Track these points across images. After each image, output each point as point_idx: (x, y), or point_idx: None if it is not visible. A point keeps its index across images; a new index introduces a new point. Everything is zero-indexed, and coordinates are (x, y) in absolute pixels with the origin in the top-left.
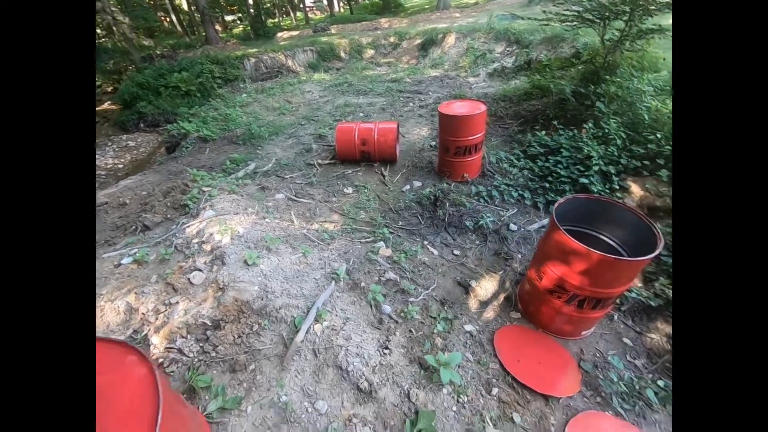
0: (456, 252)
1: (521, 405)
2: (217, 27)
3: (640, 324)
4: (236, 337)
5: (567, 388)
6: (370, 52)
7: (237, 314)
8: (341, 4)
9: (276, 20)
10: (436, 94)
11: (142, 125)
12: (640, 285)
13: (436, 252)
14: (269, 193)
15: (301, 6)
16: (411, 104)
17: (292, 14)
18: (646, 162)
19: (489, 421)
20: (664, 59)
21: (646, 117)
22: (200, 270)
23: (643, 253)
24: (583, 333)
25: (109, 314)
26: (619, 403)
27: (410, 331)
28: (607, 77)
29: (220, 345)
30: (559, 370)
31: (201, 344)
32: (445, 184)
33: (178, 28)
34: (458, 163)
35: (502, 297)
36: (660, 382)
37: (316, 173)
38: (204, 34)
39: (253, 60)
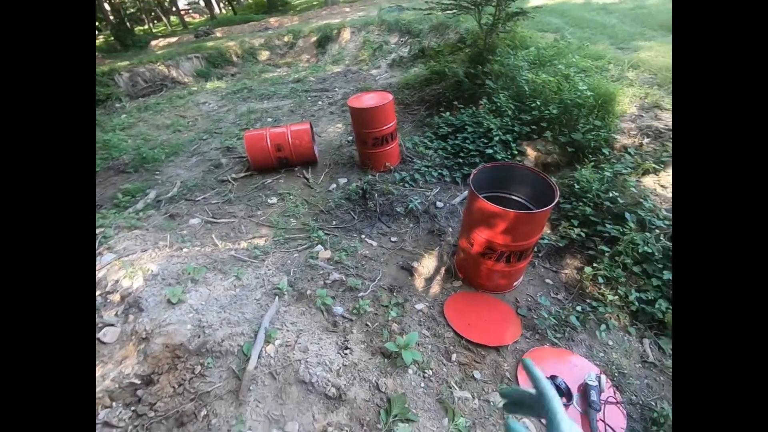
0: (393, 239)
1: (478, 362)
2: None
3: (555, 264)
4: (176, 387)
5: (512, 335)
6: (265, 53)
7: (171, 361)
8: (222, 4)
9: (146, 27)
10: (343, 89)
11: None
12: (549, 231)
13: (375, 243)
14: (181, 221)
15: (174, 9)
16: (320, 102)
17: (165, 19)
18: (533, 127)
19: (455, 386)
20: (530, 37)
21: (526, 88)
22: (112, 324)
23: (546, 204)
24: (515, 284)
25: None
26: (553, 335)
27: (366, 324)
28: (490, 57)
29: (158, 401)
30: (503, 322)
31: (132, 408)
32: (370, 176)
33: None
34: (378, 154)
35: (443, 270)
36: (578, 307)
37: (233, 189)
38: None
39: (126, 74)
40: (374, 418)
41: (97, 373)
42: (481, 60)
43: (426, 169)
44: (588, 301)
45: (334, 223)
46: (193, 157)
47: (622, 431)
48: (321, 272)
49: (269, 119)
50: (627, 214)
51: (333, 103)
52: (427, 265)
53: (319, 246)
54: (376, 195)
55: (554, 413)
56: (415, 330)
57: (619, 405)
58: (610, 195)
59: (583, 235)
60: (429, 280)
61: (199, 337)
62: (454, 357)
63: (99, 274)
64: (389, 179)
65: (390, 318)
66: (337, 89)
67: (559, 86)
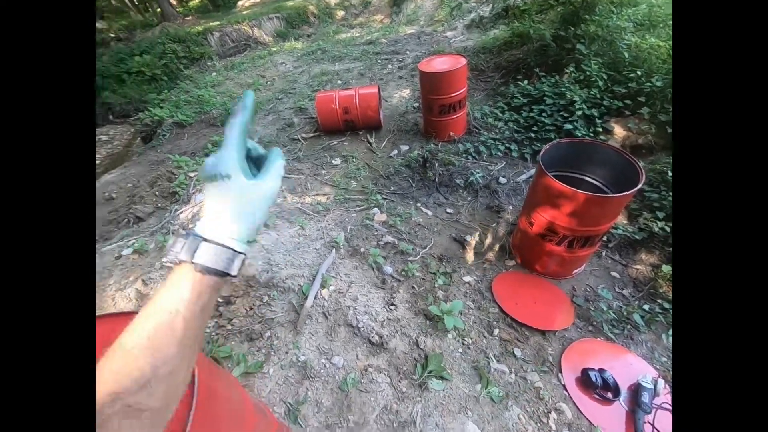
0: (449, 210)
1: (521, 341)
2: (172, 0)
3: (626, 257)
4: (248, 309)
5: (562, 322)
6: (341, 13)
7: (246, 289)
8: None
9: None
10: (414, 52)
11: (110, 117)
12: (625, 222)
13: (430, 212)
14: None
15: None
16: (389, 66)
17: None
18: (627, 101)
19: (493, 358)
20: None
21: (626, 55)
22: None
23: (626, 190)
24: (575, 272)
25: (121, 302)
26: (610, 330)
27: (413, 287)
28: (587, 17)
29: (234, 318)
30: (553, 307)
31: (215, 320)
32: (432, 145)
33: (129, 5)
34: (443, 122)
35: (496, 247)
36: (645, 306)
37: (302, 148)
38: (159, 9)
39: (217, 34)
40: (410, 369)
41: None
42: (575, 20)
43: (492, 141)
44: (659, 301)
45: (392, 188)
46: (269, 115)
47: None
48: (375, 233)
49: (339, 81)
50: None
51: (402, 67)
52: (481, 240)
53: (376, 209)
54: (436, 165)
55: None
56: (460, 300)
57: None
58: None
59: (667, 229)
60: (480, 255)
61: (267, 272)
62: (496, 332)
63: (195, 210)
64: (452, 149)
65: (436, 285)
66: (408, 52)
67: (669, 54)
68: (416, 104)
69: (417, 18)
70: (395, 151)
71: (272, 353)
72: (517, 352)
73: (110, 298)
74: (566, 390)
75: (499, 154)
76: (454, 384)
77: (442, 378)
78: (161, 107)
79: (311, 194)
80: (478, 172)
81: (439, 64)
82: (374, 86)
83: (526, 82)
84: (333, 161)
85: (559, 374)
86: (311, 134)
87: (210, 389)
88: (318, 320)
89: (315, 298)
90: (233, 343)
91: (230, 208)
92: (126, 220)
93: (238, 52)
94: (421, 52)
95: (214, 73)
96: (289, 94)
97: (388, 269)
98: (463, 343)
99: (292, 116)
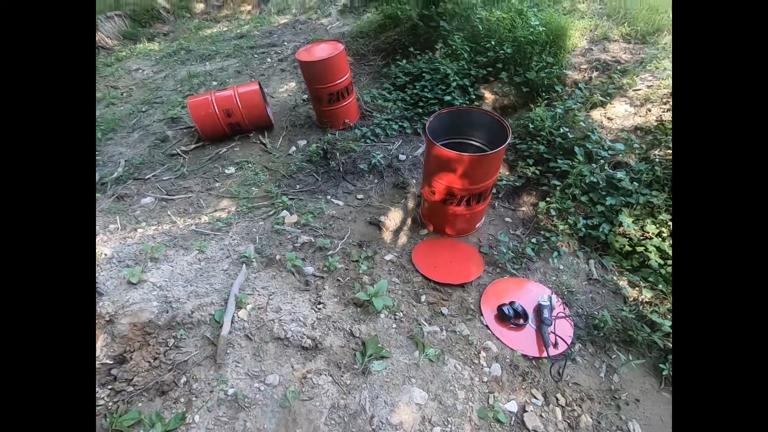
0: (359, 196)
1: (446, 299)
2: None
3: (513, 203)
4: (152, 361)
5: (475, 272)
6: (200, 6)
7: (143, 338)
8: None
9: None
10: (293, 43)
11: None
12: (507, 173)
13: (341, 203)
14: (132, 201)
15: None
16: (268, 60)
17: None
18: (489, 69)
19: (424, 322)
20: None
21: (480, 27)
22: None
23: (501, 145)
24: (477, 225)
25: None
26: (512, 267)
27: (338, 280)
28: None
29: (135, 377)
30: (467, 262)
31: (109, 387)
32: (329, 135)
33: None
34: (336, 111)
35: (409, 221)
36: (533, 240)
37: (185, 162)
38: None
39: None
40: (350, 360)
41: None
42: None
43: (386, 122)
44: (542, 233)
45: (297, 187)
46: (134, 132)
47: (569, 339)
48: (289, 237)
49: (214, 83)
50: (576, 148)
51: (283, 59)
52: (395, 218)
53: (285, 211)
54: (337, 154)
55: None
56: (385, 279)
57: (567, 318)
58: (561, 131)
59: (537, 172)
60: (397, 232)
61: (167, 312)
62: (423, 298)
63: None
64: (350, 136)
65: (361, 271)
66: (285, 43)
67: (512, 23)
68: (305, 96)
69: (288, 6)
70: (293, 148)
71: (194, 398)
72: (444, 311)
73: None
74: (489, 328)
75: (394, 133)
76: (394, 359)
77: (382, 357)
78: None
79: (207, 212)
80: (379, 154)
81: (318, 52)
82: (254, 83)
83: (404, 61)
84: (226, 171)
85: (481, 317)
86: (193, 146)
87: None
88: (241, 345)
89: (232, 323)
90: (140, 404)
91: None
92: None
93: None
94: (299, 42)
95: None
96: (154, 104)
97: (309, 269)
98: (395, 318)
99: (165, 129)
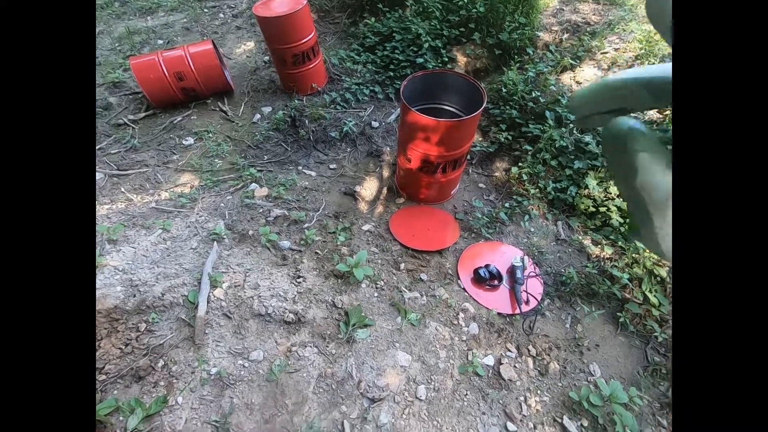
0: (332, 166)
1: (424, 266)
2: None
3: (486, 169)
4: (123, 347)
5: (452, 238)
6: None
7: (109, 325)
8: None
9: None
10: None
11: None
12: (480, 139)
13: (313, 173)
14: None
15: None
16: (221, 15)
17: None
18: (461, 29)
19: (405, 289)
20: None
21: None
22: None
23: (475, 111)
24: (452, 192)
25: None
26: (486, 231)
27: (316, 253)
28: None
29: (105, 365)
30: (443, 228)
31: None
32: (296, 101)
33: None
34: (302, 74)
35: (385, 190)
36: (507, 204)
37: (134, 133)
38: None
39: None
40: (335, 331)
41: None
42: None
43: (357, 87)
44: (514, 197)
45: (265, 157)
46: None
47: (539, 295)
48: (260, 211)
49: (159, 41)
50: (547, 113)
51: (238, 15)
52: (370, 187)
53: (254, 184)
54: (306, 122)
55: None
56: (364, 249)
57: (538, 277)
58: (533, 95)
59: (510, 138)
60: (373, 202)
61: (134, 296)
62: (402, 266)
63: None
64: (318, 102)
65: (339, 243)
66: None
67: None
68: (266, 58)
69: None
70: (257, 116)
71: (174, 380)
72: (423, 277)
73: None
74: (466, 291)
75: (365, 98)
76: (378, 326)
77: (365, 326)
78: None
79: (166, 187)
80: (351, 121)
81: (277, 6)
82: (207, 41)
83: (373, 19)
84: (183, 142)
85: (458, 281)
86: (142, 114)
87: None
88: (220, 324)
89: (208, 302)
90: (115, 392)
91: None
92: None
93: None
94: None
95: None
96: None
97: (285, 243)
98: (376, 287)
99: (106, 95)
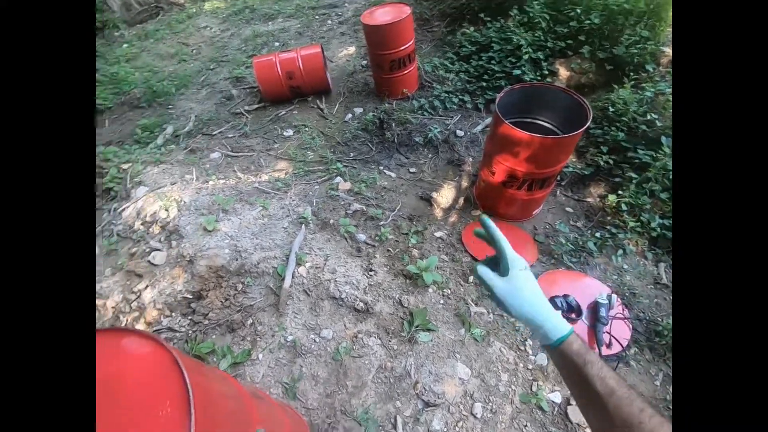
0: (412, 170)
1: None
2: None
3: (577, 192)
4: (223, 301)
5: (528, 259)
6: None
7: (216, 280)
8: None
9: None
10: (354, 4)
11: None
12: (574, 159)
13: (393, 174)
14: (202, 155)
15: None
16: (329, 22)
17: None
18: (569, 41)
19: (471, 303)
20: None
21: None
22: (159, 249)
23: (576, 129)
24: (534, 212)
25: None
26: (569, 259)
27: (388, 250)
28: None
29: (210, 312)
30: (519, 248)
31: (189, 317)
32: (386, 105)
33: None
34: (395, 79)
35: (461, 200)
36: (597, 234)
37: (247, 122)
38: None
39: None
40: (398, 328)
41: (155, 290)
42: None
43: (446, 95)
44: (608, 227)
45: (351, 155)
46: (203, 89)
47: (625, 341)
48: (342, 203)
49: (276, 43)
50: (663, 139)
51: (343, 22)
52: (446, 195)
53: (339, 178)
54: (393, 125)
55: (503, 250)
56: (435, 255)
57: (626, 320)
58: (648, 118)
59: (611, 162)
60: (448, 210)
61: (237, 260)
62: (470, 279)
63: (138, 205)
64: (407, 107)
65: (410, 244)
66: (347, 4)
67: None
68: (364, 62)
69: None
70: (349, 116)
71: (258, 339)
72: None
73: None
74: None
75: (453, 107)
76: (440, 333)
77: (428, 330)
78: None
79: (267, 171)
80: (436, 128)
81: (381, 15)
82: (316, 46)
83: (472, 29)
84: (284, 133)
85: None
86: (255, 106)
87: (204, 390)
88: (300, 298)
89: (293, 277)
90: (214, 336)
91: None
92: None
93: (150, 17)
94: (360, 4)
95: (125, 45)
96: (221, 62)
97: (361, 237)
98: (443, 295)
99: (230, 87)
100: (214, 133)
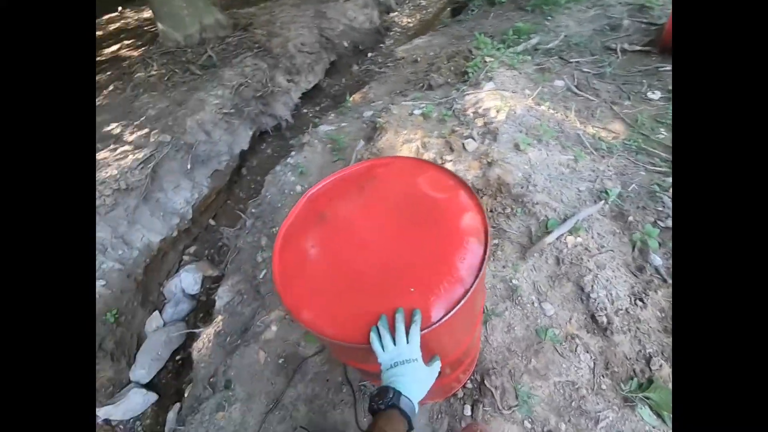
0: None
1: None
2: None
3: None
4: (488, 210)
5: None
6: None
7: (495, 191)
8: None
9: None
10: None
11: None
12: None
13: None
14: (548, 77)
15: None
16: None
17: None
18: None
19: None
20: None
21: None
22: (473, 139)
23: None
24: None
25: (405, 151)
26: None
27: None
28: None
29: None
30: None
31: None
32: None
33: None
34: None
35: None
36: None
37: (613, 62)
38: None
39: None
40: (624, 377)
41: (454, 168)
42: None
43: None
44: None
45: None
46: (593, 8)
47: None
48: (660, 209)
49: None
50: None
51: None
52: None
53: None
54: None
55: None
56: None
57: None
58: None
59: None
60: None
61: (522, 187)
62: None
63: (479, 96)
64: None
65: None
66: None
67: None
68: None
69: None
70: None
71: (492, 258)
72: None
73: (399, 145)
74: None
75: None
76: (666, 427)
77: (657, 414)
78: None
79: (596, 125)
80: None
81: None
82: None
83: None
84: (649, 94)
85: None
86: (638, 47)
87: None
88: (548, 261)
89: (557, 239)
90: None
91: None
92: (421, 84)
93: None
94: None
95: None
96: None
97: (658, 260)
98: None
99: (624, 16)
100: (572, 60)
